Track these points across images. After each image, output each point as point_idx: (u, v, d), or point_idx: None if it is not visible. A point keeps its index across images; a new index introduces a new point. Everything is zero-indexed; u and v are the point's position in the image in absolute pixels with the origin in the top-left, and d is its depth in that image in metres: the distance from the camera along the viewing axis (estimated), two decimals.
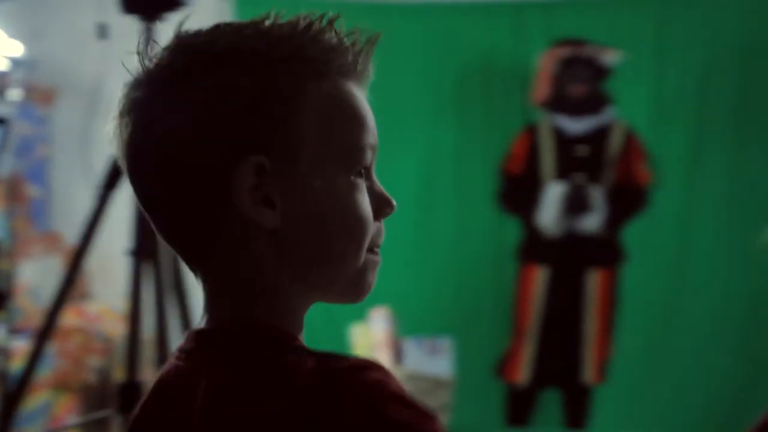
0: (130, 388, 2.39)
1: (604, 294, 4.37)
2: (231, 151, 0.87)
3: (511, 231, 4.45)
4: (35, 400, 4.00)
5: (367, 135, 0.93)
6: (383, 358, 4.00)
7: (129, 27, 2.46)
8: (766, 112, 4.42)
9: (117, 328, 4.06)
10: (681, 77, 4.46)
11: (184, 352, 0.93)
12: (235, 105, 0.87)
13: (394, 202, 0.95)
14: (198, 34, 0.92)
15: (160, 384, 0.95)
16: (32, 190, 4.65)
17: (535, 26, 4.56)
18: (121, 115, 0.92)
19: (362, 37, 0.92)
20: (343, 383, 0.81)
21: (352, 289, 0.94)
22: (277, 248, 0.90)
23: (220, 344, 0.90)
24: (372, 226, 0.93)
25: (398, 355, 4.11)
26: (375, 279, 0.95)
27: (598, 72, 4.37)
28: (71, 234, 3.56)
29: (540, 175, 4.44)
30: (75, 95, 4.44)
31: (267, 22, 0.90)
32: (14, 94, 4.04)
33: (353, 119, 0.92)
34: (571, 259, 4.38)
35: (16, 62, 4.14)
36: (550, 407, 4.43)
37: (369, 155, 0.93)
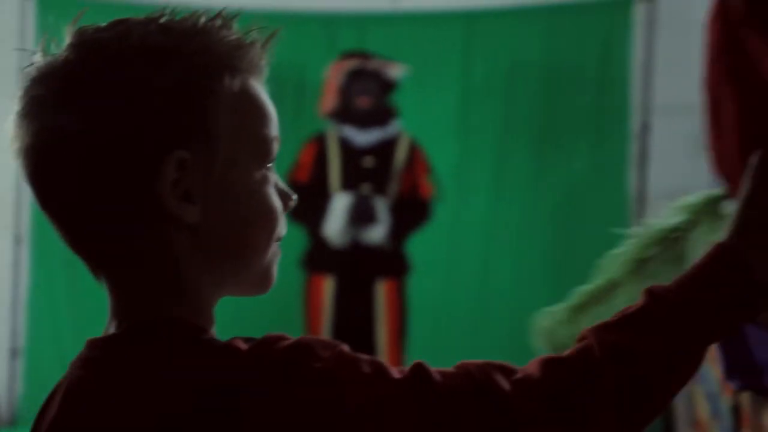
0: None
1: (392, 303, 4.42)
2: (154, 147, 0.87)
3: (297, 241, 4.42)
4: None
5: (274, 128, 0.95)
6: None
7: None
8: (564, 126, 4.75)
9: None
10: (485, 90, 4.73)
11: (92, 362, 0.90)
12: (155, 100, 0.87)
13: (295, 195, 0.97)
14: (102, 29, 0.90)
15: (67, 399, 0.90)
16: None
17: (343, 39, 4.66)
18: (22, 114, 0.89)
19: (259, 34, 0.94)
20: (273, 350, 0.85)
21: (261, 281, 0.95)
22: (195, 243, 0.90)
23: (141, 345, 0.88)
24: (281, 218, 0.95)
25: None
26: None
27: (384, 85, 4.45)
28: None
29: (327, 186, 4.45)
30: None
31: (164, 19, 0.91)
32: None
33: (262, 113, 0.94)
34: (357, 269, 4.40)
35: None
36: None
37: (276, 148, 0.95)
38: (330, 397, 0.84)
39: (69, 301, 4.61)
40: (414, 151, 4.51)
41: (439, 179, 4.52)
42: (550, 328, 1.09)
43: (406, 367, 0.87)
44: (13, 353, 4.82)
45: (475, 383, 0.86)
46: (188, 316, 0.90)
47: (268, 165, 0.93)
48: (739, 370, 1.09)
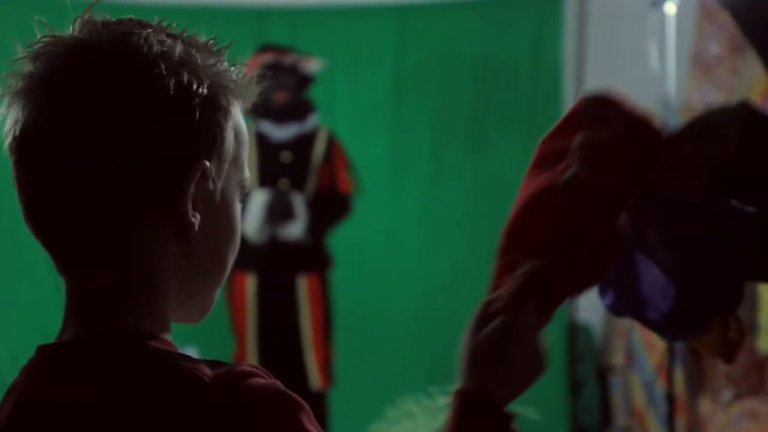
0: None
1: (315, 299, 4.39)
2: (187, 152, 0.88)
3: None
4: None
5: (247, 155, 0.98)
6: None
7: None
8: (497, 118, 4.79)
9: None
10: (418, 83, 4.76)
11: (47, 370, 0.87)
12: (193, 109, 0.88)
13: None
14: (140, 30, 0.90)
15: (18, 413, 0.88)
16: None
17: (274, 33, 4.63)
18: (21, 92, 0.87)
19: (246, 68, 0.97)
20: (240, 389, 0.84)
21: (205, 308, 0.96)
22: (183, 254, 0.90)
23: (107, 356, 0.87)
24: None
25: None
26: None
27: (301, 79, 4.40)
28: None
29: None
30: None
31: (177, 30, 0.92)
32: None
33: (246, 141, 0.97)
34: (277, 265, 4.37)
35: None
36: None
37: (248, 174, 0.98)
38: None
39: None
40: (332, 146, 4.47)
41: (362, 171, 4.49)
42: None
43: None
44: None
45: None
46: (152, 328, 0.89)
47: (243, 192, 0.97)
48: (625, 297, 1.12)
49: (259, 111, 3.99)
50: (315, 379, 4.32)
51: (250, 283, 4.35)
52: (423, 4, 4.88)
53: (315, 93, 4.50)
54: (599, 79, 4.68)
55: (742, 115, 1.04)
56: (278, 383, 0.87)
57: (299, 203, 4.35)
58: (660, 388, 3.81)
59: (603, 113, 1.05)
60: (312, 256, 4.42)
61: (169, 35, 0.90)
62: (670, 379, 3.51)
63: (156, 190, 0.87)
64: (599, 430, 4.80)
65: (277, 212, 4.30)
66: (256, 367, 0.88)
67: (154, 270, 0.89)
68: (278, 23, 4.77)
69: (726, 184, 1.04)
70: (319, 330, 4.38)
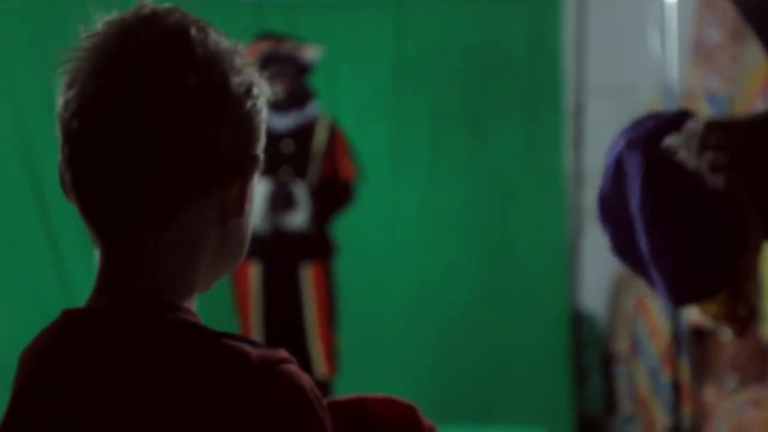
0: None
1: (319, 287, 4.39)
2: (254, 141, 0.95)
3: None
4: None
5: None
6: None
7: None
8: (497, 107, 4.79)
9: None
10: (417, 73, 4.75)
11: (75, 336, 0.88)
12: (252, 104, 0.94)
13: None
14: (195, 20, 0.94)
15: (39, 376, 0.88)
16: None
17: (273, 24, 4.62)
18: (92, 60, 0.90)
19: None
20: (282, 375, 0.87)
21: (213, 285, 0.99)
22: (218, 239, 0.94)
23: (144, 326, 0.88)
24: None
25: None
26: None
27: (299, 68, 4.38)
28: None
29: None
30: None
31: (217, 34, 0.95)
32: None
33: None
34: (281, 254, 4.36)
35: None
36: None
37: None
38: None
39: None
40: (334, 134, 4.45)
41: (362, 161, 4.48)
42: None
43: None
44: None
45: None
46: (183, 303, 0.92)
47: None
48: (632, 256, 1.18)
49: None
50: (320, 366, 4.32)
51: (254, 271, 4.34)
52: None
53: (314, 83, 4.49)
54: (600, 67, 4.67)
55: None
56: (310, 378, 0.90)
57: (301, 192, 4.35)
58: (665, 375, 3.81)
59: None
60: (316, 245, 4.41)
61: (215, 30, 0.95)
62: (674, 366, 3.50)
63: (215, 179, 0.92)
64: (604, 418, 4.80)
65: (280, 202, 4.30)
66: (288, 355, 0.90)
67: (197, 249, 0.93)
68: (276, 14, 4.75)
69: None
70: (323, 318, 4.38)
